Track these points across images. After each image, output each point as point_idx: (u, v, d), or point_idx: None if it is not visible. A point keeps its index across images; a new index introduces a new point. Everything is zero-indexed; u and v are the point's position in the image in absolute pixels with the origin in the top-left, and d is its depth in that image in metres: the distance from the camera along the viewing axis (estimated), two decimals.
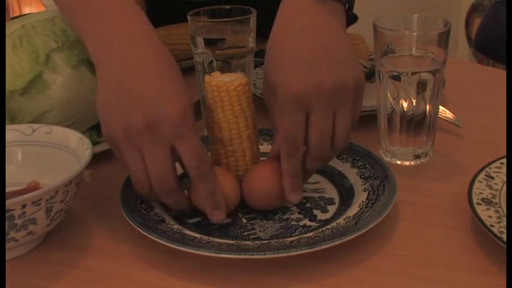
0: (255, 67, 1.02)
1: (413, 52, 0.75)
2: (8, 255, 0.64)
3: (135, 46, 0.65)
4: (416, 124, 0.77)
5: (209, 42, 0.85)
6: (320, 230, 0.64)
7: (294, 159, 0.66)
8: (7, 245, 0.62)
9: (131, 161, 0.63)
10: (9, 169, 0.73)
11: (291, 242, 0.62)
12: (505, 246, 0.59)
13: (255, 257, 0.60)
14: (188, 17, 0.86)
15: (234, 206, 0.69)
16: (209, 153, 0.73)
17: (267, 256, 0.59)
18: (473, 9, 2.05)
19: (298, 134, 0.64)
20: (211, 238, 0.64)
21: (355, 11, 0.76)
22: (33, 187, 0.71)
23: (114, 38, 0.65)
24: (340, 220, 0.66)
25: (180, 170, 0.66)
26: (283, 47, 0.66)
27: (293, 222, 0.68)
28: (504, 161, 0.73)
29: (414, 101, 0.76)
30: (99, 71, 0.65)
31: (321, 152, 0.66)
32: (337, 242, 0.61)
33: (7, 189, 0.70)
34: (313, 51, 0.64)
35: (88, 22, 0.67)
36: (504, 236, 0.60)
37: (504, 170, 0.71)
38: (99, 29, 0.66)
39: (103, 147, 0.82)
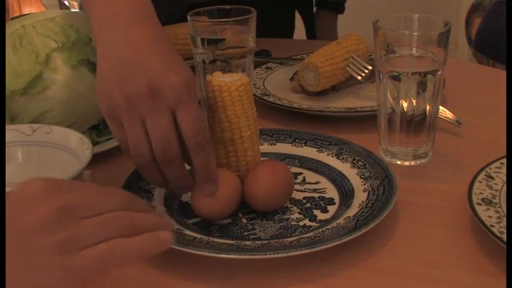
0: (255, 67, 1.02)
1: (414, 52, 0.75)
2: None
3: (140, 27, 0.66)
4: (416, 124, 0.77)
5: (209, 42, 0.85)
6: (320, 230, 0.64)
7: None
8: None
9: (132, 130, 0.63)
10: (9, 169, 0.72)
11: (291, 242, 0.62)
12: (505, 246, 0.59)
13: (255, 257, 0.60)
14: (188, 17, 0.86)
15: (237, 206, 0.69)
16: None
17: (267, 256, 0.59)
18: (473, 9, 2.05)
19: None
20: (211, 238, 0.64)
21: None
22: None
23: (121, 15, 0.66)
24: (340, 220, 0.66)
25: None
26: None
27: (293, 222, 0.68)
28: (504, 161, 0.73)
29: (414, 101, 0.76)
30: (101, 47, 0.67)
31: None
32: (337, 242, 0.61)
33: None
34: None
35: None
36: (504, 236, 0.60)
37: (504, 170, 0.71)
38: (107, 5, 0.68)
39: (103, 147, 0.82)
